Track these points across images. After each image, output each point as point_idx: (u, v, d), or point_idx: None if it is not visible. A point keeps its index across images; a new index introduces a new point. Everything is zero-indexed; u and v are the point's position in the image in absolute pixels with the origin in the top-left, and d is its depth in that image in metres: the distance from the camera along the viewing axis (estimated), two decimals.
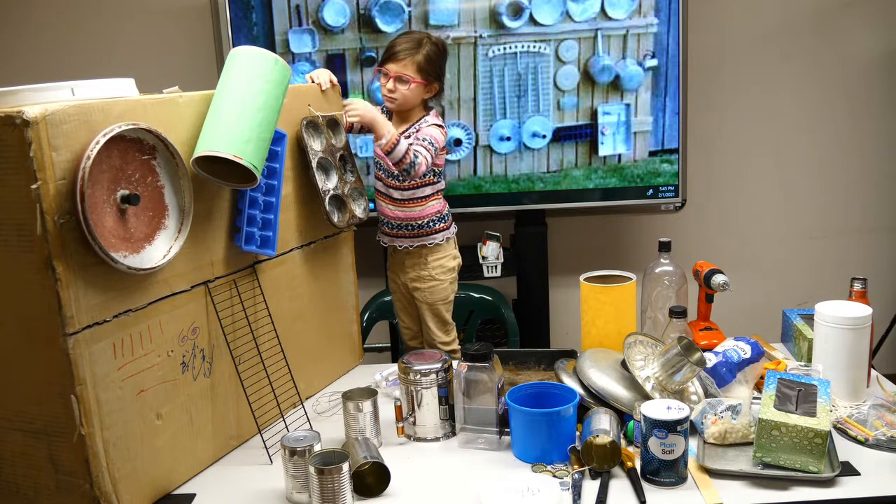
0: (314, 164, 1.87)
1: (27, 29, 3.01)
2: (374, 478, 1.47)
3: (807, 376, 1.59)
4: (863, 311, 1.70)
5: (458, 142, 2.82)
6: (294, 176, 1.85)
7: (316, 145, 1.90)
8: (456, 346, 2.37)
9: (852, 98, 3.14)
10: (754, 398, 1.69)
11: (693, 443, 1.54)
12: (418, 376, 1.66)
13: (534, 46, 2.75)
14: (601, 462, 1.46)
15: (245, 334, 1.68)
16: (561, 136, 2.82)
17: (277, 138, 1.70)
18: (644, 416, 1.44)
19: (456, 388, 1.64)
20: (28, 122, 1.21)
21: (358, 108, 2.05)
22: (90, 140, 1.29)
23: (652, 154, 2.84)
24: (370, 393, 1.65)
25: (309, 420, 1.75)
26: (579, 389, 1.63)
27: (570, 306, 3.03)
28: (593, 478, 1.47)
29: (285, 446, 1.45)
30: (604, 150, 2.84)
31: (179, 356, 1.53)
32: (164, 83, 1.66)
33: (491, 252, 2.87)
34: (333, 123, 2.00)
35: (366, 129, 2.20)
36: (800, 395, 1.50)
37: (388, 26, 2.72)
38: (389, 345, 3.05)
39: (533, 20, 2.73)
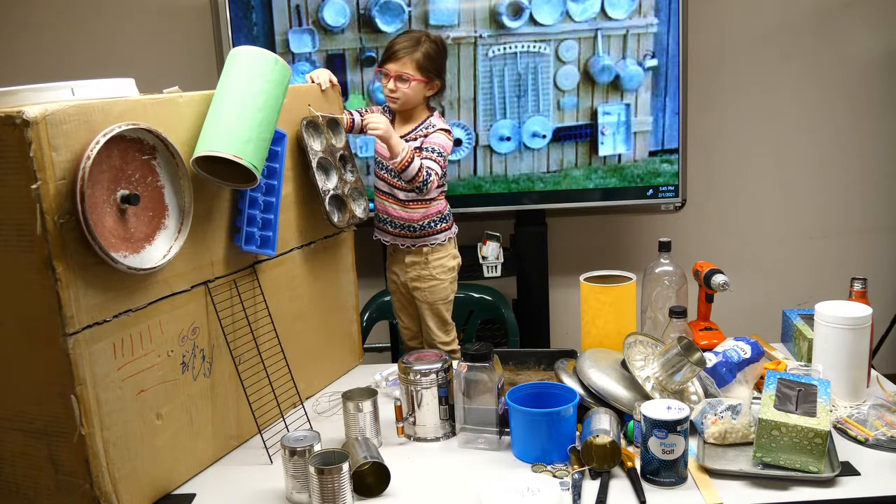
0: (314, 164, 1.87)
1: (27, 29, 3.01)
2: (374, 478, 1.47)
3: (807, 376, 1.59)
4: (863, 311, 1.70)
5: (458, 142, 2.82)
6: (294, 176, 1.85)
7: (316, 145, 1.90)
8: (456, 346, 2.37)
9: (852, 98, 3.14)
10: (754, 398, 1.69)
11: (693, 443, 1.54)
12: (418, 376, 1.66)
13: (534, 46, 2.75)
14: (601, 462, 1.46)
15: (245, 334, 1.68)
16: (561, 136, 2.82)
17: (277, 138, 1.70)
18: (644, 416, 1.44)
19: (456, 388, 1.64)
20: (28, 122, 1.21)
21: (380, 124, 2.04)
22: (90, 140, 1.29)
23: (652, 154, 2.84)
24: (370, 393, 1.65)
25: (309, 420, 1.75)
26: (579, 389, 1.63)
27: (570, 306, 3.03)
28: (593, 478, 1.47)
29: (285, 446, 1.45)
30: (604, 150, 2.84)
31: (179, 356, 1.53)
32: (164, 83, 1.66)
33: (491, 252, 2.87)
34: (333, 123, 2.00)
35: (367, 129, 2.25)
36: (800, 395, 1.50)
37: (388, 26, 2.72)
38: (389, 345, 3.05)
39: (533, 20, 2.73)
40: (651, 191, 2.87)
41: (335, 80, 2.07)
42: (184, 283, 1.53)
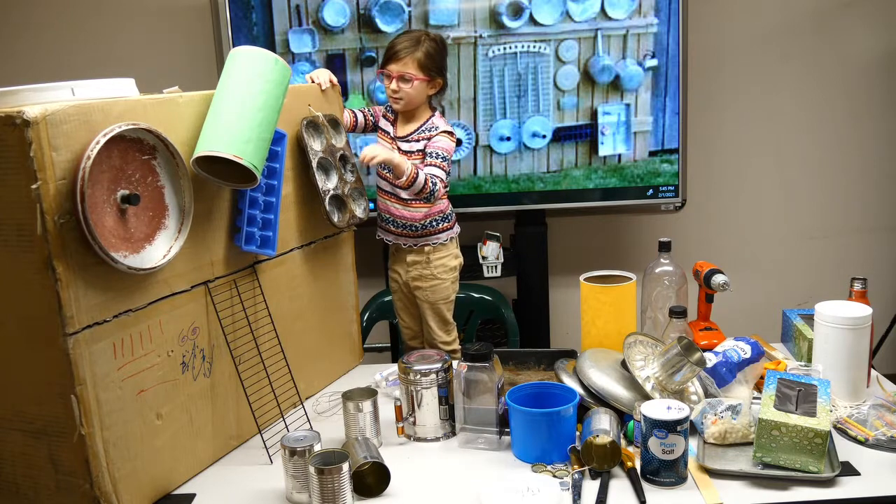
0: (314, 164, 1.87)
1: (27, 29, 3.01)
2: (374, 478, 1.47)
3: (807, 376, 1.59)
4: (863, 311, 1.70)
5: (458, 142, 2.81)
6: (294, 176, 1.85)
7: (316, 145, 1.90)
8: (457, 345, 2.37)
9: (852, 98, 3.14)
10: (754, 398, 1.69)
11: (693, 443, 1.54)
12: (418, 376, 1.66)
13: (534, 46, 2.75)
14: (601, 462, 1.46)
15: (245, 334, 1.68)
16: (561, 136, 2.82)
17: (277, 138, 1.70)
18: (644, 416, 1.44)
19: (456, 388, 1.64)
20: (28, 122, 1.21)
21: (376, 151, 2.02)
22: (90, 140, 1.29)
23: (652, 154, 2.84)
24: (370, 393, 1.65)
25: (309, 420, 1.75)
26: (579, 389, 1.63)
27: (570, 306, 3.03)
28: (593, 478, 1.47)
29: (285, 446, 1.45)
30: (604, 150, 2.84)
31: (179, 356, 1.53)
32: (164, 83, 1.66)
33: (491, 252, 2.87)
34: (333, 123, 2.00)
35: (369, 129, 2.30)
36: (800, 395, 1.50)
37: (388, 26, 2.72)
38: (389, 345, 3.05)
39: (533, 20, 2.73)
40: (651, 191, 2.87)
41: (335, 80, 2.07)
42: (184, 283, 1.53)
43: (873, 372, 1.83)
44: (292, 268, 1.86)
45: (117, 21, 3.01)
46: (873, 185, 3.22)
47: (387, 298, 2.65)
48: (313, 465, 1.37)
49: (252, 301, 1.71)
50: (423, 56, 2.16)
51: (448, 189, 2.30)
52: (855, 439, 1.56)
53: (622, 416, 1.60)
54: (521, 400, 1.58)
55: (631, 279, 1.92)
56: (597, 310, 1.91)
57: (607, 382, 1.63)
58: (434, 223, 2.26)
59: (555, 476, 1.48)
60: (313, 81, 2.03)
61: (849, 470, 1.45)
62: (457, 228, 2.33)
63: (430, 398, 1.66)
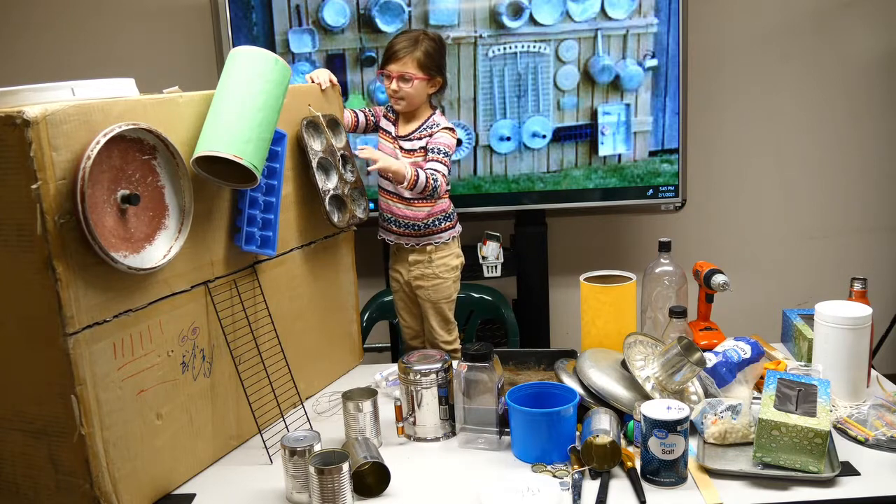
0: (314, 164, 1.87)
1: (27, 29, 3.01)
2: (374, 478, 1.47)
3: (807, 376, 1.59)
4: (863, 311, 1.70)
5: (458, 142, 2.81)
6: (294, 176, 1.85)
7: (316, 145, 1.90)
8: (458, 345, 2.37)
9: (852, 98, 3.14)
10: (754, 398, 1.69)
11: (693, 443, 1.54)
12: (418, 376, 1.66)
13: (534, 46, 2.75)
14: (601, 462, 1.46)
15: (245, 334, 1.68)
16: (561, 136, 2.82)
17: (277, 138, 1.70)
18: (644, 416, 1.44)
19: (456, 388, 1.64)
20: (28, 122, 1.21)
21: (375, 157, 2.05)
22: (90, 140, 1.29)
23: (652, 154, 2.84)
24: (370, 393, 1.65)
25: (309, 420, 1.75)
26: (579, 389, 1.63)
27: (570, 306, 3.03)
28: (593, 478, 1.47)
29: (285, 446, 1.45)
30: (604, 150, 2.84)
31: (179, 356, 1.53)
32: (164, 83, 1.66)
33: (491, 252, 2.87)
34: (333, 123, 2.00)
35: (370, 129, 2.29)
36: (800, 395, 1.50)
37: (388, 26, 2.72)
38: (389, 345, 3.05)
39: (533, 20, 2.73)
40: (651, 191, 2.87)
41: (335, 79, 2.07)
42: (184, 283, 1.53)
43: (873, 372, 1.83)
44: (292, 268, 1.86)
45: (117, 21, 3.01)
46: (873, 185, 3.22)
47: (387, 298, 2.65)
48: (313, 465, 1.37)
49: (252, 301, 1.71)
50: (422, 55, 2.16)
51: (450, 186, 2.29)
52: (855, 439, 1.56)
53: (622, 416, 1.60)
54: (521, 400, 1.58)
55: (631, 279, 1.92)
56: (597, 310, 1.91)
57: (607, 382, 1.63)
58: (436, 222, 2.26)
59: (555, 476, 1.48)
60: (313, 81, 2.03)
61: (849, 470, 1.45)
62: (459, 228, 2.34)
63: (430, 398, 1.66)
